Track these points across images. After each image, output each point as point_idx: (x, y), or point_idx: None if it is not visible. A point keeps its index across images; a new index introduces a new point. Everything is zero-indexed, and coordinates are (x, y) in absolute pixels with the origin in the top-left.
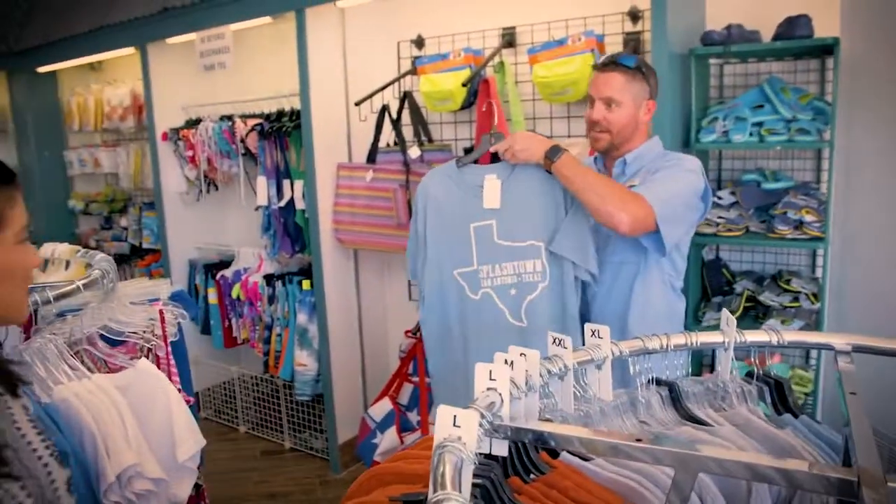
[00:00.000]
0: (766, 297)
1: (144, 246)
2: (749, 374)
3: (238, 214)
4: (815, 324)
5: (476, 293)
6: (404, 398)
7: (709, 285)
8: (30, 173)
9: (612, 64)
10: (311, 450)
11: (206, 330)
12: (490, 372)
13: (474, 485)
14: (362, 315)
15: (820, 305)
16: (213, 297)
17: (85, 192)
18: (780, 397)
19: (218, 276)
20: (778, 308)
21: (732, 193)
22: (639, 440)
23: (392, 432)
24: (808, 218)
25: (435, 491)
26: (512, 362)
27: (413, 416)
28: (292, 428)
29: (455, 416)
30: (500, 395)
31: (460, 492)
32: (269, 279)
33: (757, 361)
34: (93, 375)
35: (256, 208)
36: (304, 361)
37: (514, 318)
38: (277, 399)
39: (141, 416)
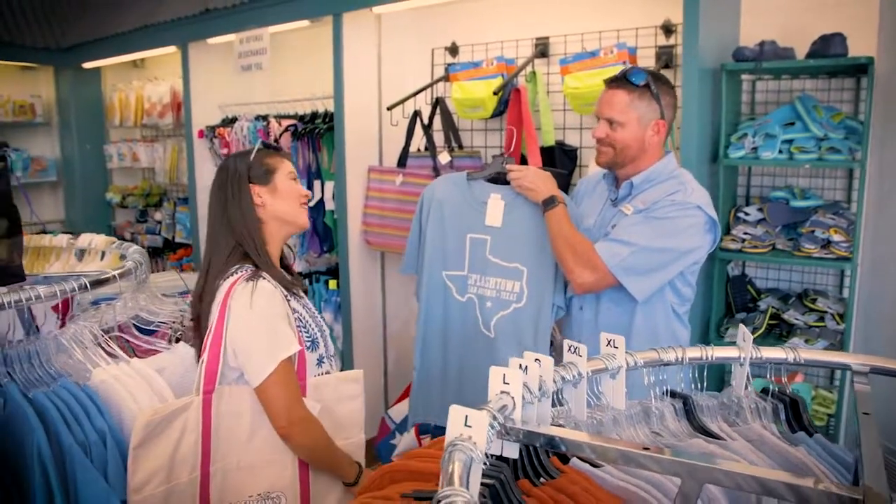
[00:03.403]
0: (791, 316)
1: (177, 240)
2: (764, 391)
3: None
4: (839, 344)
5: (463, 296)
6: None
7: (733, 301)
8: (71, 165)
9: (617, 81)
10: None
11: None
12: (504, 375)
13: (484, 485)
14: (387, 317)
15: (845, 326)
16: None
17: (122, 185)
18: (794, 415)
19: None
20: (802, 327)
21: (760, 210)
22: (647, 449)
23: (411, 434)
24: (836, 237)
25: (443, 488)
26: (526, 367)
27: None
28: None
29: (467, 417)
30: (512, 398)
31: (467, 489)
32: None
33: (783, 379)
34: (130, 360)
35: None
36: None
37: (485, 328)
38: None
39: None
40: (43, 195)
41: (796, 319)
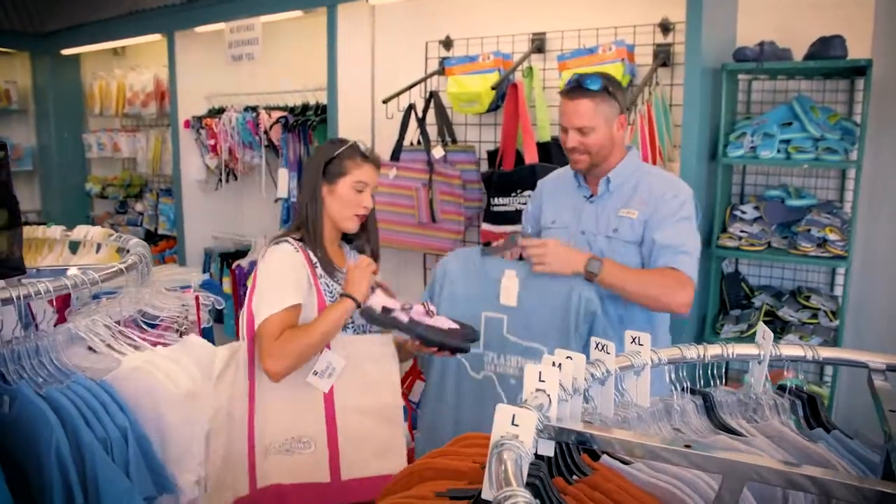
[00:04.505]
0: (785, 313)
1: (160, 232)
2: (781, 388)
3: (256, 205)
4: (833, 341)
5: (478, 373)
6: (416, 396)
7: (728, 298)
8: (48, 154)
9: (577, 90)
10: None
11: (218, 318)
12: (539, 374)
13: (526, 483)
14: None
15: (839, 323)
16: (227, 287)
17: (102, 175)
18: (812, 412)
19: (234, 266)
20: (797, 324)
21: (756, 208)
22: (688, 446)
23: (403, 428)
24: (832, 236)
25: (499, 488)
26: (560, 365)
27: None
28: None
29: (514, 416)
30: (548, 396)
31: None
32: None
33: (797, 373)
34: (155, 347)
35: (276, 200)
36: None
37: (511, 403)
38: None
39: None
40: (19, 184)
41: (791, 316)
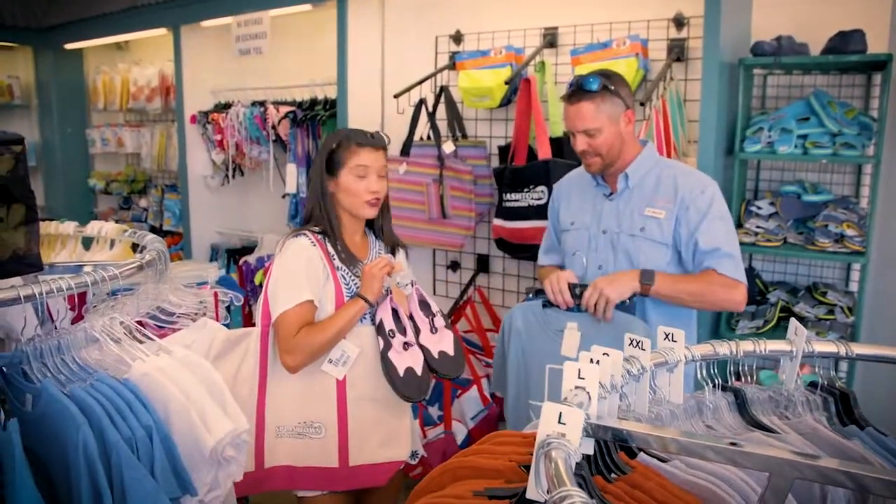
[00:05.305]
0: (801, 309)
1: (165, 228)
2: (812, 384)
3: (263, 201)
4: (850, 337)
5: None
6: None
7: None
8: (51, 150)
9: (577, 93)
10: None
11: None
12: (579, 371)
13: None
14: None
15: (855, 319)
16: None
17: (106, 171)
18: (845, 409)
19: (241, 262)
20: (813, 320)
21: (772, 204)
22: (733, 444)
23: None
24: (850, 232)
25: (550, 487)
26: (597, 362)
27: (434, 411)
28: None
29: (561, 414)
30: (588, 393)
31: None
32: None
33: (818, 371)
34: (172, 349)
35: (284, 196)
36: None
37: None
38: None
39: None
40: None
41: (807, 312)
